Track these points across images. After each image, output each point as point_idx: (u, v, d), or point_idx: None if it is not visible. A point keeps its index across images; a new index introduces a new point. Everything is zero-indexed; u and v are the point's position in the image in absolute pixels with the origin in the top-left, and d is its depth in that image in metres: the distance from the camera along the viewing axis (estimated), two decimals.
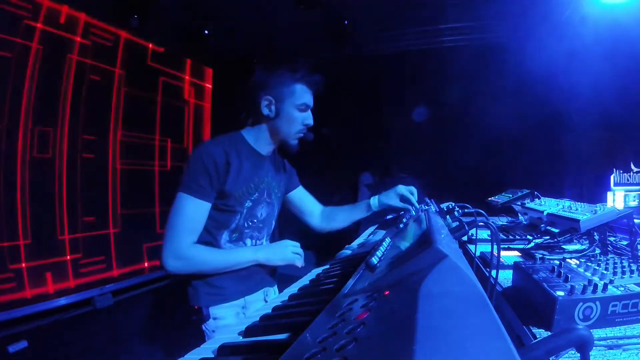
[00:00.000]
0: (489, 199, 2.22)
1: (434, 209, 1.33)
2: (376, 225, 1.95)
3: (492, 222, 0.97)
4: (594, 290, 0.70)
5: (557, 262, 0.91)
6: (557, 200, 1.68)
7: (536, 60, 3.53)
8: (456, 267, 0.43)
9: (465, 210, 1.17)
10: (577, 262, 0.91)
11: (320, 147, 1.42)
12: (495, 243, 0.85)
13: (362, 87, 5.08)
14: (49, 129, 3.24)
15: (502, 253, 1.27)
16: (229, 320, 1.15)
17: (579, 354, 0.39)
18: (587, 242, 1.33)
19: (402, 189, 1.40)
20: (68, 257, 3.34)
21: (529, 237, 1.49)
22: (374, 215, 1.51)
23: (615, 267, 0.85)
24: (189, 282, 1.19)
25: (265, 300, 1.29)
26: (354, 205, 1.51)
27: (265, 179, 1.27)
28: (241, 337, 0.67)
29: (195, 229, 1.12)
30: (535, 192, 1.87)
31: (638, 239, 1.11)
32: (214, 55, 4.88)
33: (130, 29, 3.70)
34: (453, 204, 1.26)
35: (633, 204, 1.71)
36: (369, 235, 1.71)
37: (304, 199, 1.51)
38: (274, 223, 1.38)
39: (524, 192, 1.93)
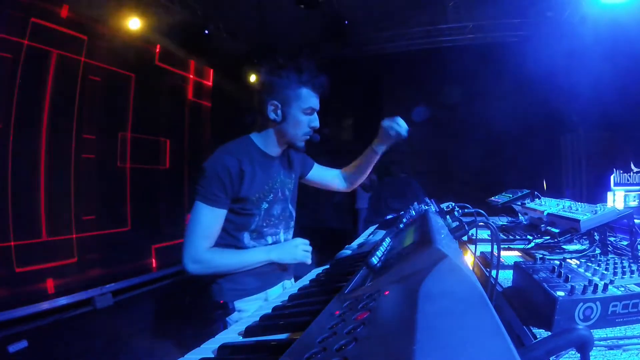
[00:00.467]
0: (489, 199, 2.21)
1: (434, 209, 1.32)
2: (376, 225, 1.95)
3: (492, 222, 0.97)
4: (594, 291, 0.70)
5: (557, 262, 0.91)
6: (557, 200, 1.68)
7: (536, 60, 3.53)
8: (456, 267, 0.43)
9: (465, 210, 1.17)
10: (578, 262, 0.91)
11: (320, 147, 1.42)
12: (495, 243, 0.84)
13: (362, 87, 5.08)
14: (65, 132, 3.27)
15: (502, 253, 1.27)
16: (252, 313, 1.19)
17: (579, 354, 0.39)
18: (588, 242, 1.33)
19: (385, 121, 1.44)
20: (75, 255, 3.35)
21: (529, 237, 1.49)
22: (374, 215, 1.52)
23: (615, 268, 0.85)
24: (213, 280, 1.25)
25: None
26: (361, 157, 1.57)
27: (278, 179, 1.32)
28: (241, 337, 0.67)
29: (211, 235, 1.19)
30: (535, 192, 1.87)
31: (638, 239, 1.11)
32: (214, 55, 4.87)
33: (133, 30, 3.70)
34: (453, 204, 1.26)
35: (633, 204, 1.71)
36: (369, 235, 1.70)
37: (323, 174, 1.60)
38: (291, 212, 1.42)
39: (524, 192, 1.93)
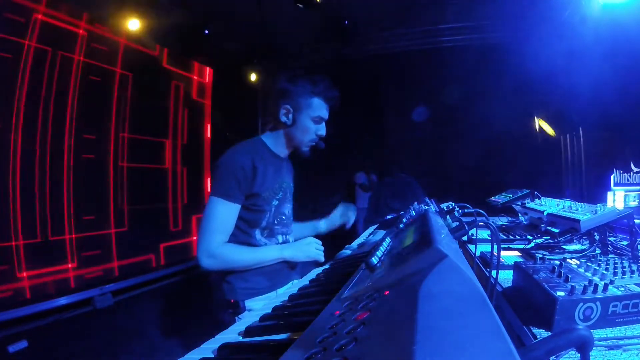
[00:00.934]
0: (489, 199, 2.22)
1: (434, 209, 1.32)
2: (376, 225, 1.95)
3: (492, 222, 0.97)
4: (595, 291, 0.70)
5: (557, 262, 0.91)
6: (557, 200, 1.68)
7: (536, 60, 3.53)
8: (456, 267, 0.43)
9: (465, 210, 1.17)
10: (578, 262, 0.91)
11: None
12: (495, 243, 0.84)
13: (362, 87, 5.08)
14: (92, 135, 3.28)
15: (502, 253, 1.27)
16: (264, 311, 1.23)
17: (579, 354, 0.39)
18: (588, 242, 1.33)
19: (341, 207, 1.60)
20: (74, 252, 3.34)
21: (529, 237, 1.49)
22: (374, 215, 1.54)
23: (615, 268, 0.85)
24: (223, 279, 1.29)
25: None
26: (306, 223, 1.63)
27: (285, 179, 1.40)
28: (241, 337, 0.67)
29: (226, 229, 1.23)
30: (535, 192, 1.87)
31: (638, 239, 1.11)
32: (213, 55, 4.87)
33: (133, 31, 3.69)
34: (453, 204, 1.26)
35: (633, 204, 1.71)
36: (369, 235, 1.71)
37: None
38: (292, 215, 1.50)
39: (524, 192, 1.93)
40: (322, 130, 1.35)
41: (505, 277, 1.04)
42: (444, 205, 1.29)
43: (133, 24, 3.72)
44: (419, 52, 4.79)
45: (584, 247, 1.30)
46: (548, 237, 1.40)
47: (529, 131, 4.06)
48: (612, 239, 1.35)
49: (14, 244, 2.91)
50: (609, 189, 1.80)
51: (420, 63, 4.79)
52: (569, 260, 0.93)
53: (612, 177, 1.80)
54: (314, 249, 1.30)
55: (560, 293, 0.70)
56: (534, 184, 2.09)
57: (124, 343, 2.75)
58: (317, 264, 1.32)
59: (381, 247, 0.80)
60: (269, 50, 4.98)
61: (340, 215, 1.59)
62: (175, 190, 4.68)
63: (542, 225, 1.53)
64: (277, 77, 1.35)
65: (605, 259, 0.95)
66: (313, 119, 1.32)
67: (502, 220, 2.04)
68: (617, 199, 1.76)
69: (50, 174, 3.22)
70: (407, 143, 4.99)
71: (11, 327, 2.75)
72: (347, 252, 1.38)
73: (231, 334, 0.69)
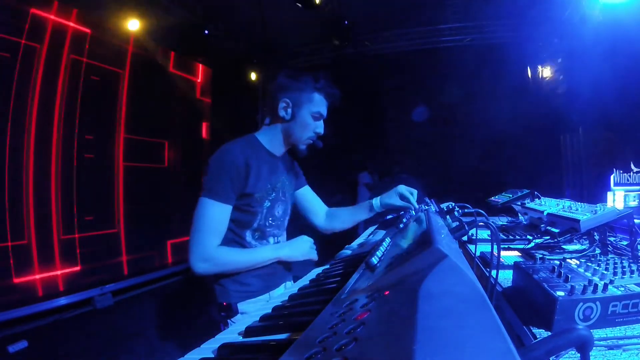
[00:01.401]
0: (489, 199, 2.21)
1: (434, 209, 1.32)
2: (376, 225, 1.95)
3: (492, 222, 0.97)
4: (594, 291, 0.70)
5: (557, 262, 0.91)
6: (557, 200, 1.68)
7: (536, 60, 3.53)
8: (456, 267, 0.43)
9: (465, 210, 1.17)
10: (577, 262, 0.91)
11: (320, 147, 1.44)
12: (495, 243, 0.84)
13: (362, 87, 5.08)
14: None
15: (502, 253, 1.27)
16: (255, 314, 1.20)
17: (579, 354, 0.39)
18: (587, 242, 1.33)
19: (402, 188, 1.43)
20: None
21: (529, 237, 1.49)
22: (375, 215, 1.52)
23: (615, 267, 0.85)
24: (216, 281, 1.24)
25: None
26: (356, 206, 1.54)
27: (280, 179, 1.34)
28: (241, 337, 0.67)
29: (219, 231, 1.17)
30: (535, 192, 1.87)
31: (638, 239, 1.11)
32: (213, 55, 4.87)
33: (133, 31, 3.69)
34: (453, 204, 1.26)
35: (633, 204, 1.71)
36: (369, 235, 1.70)
37: (310, 198, 1.55)
38: (289, 215, 1.44)
39: (524, 192, 1.93)
40: (320, 127, 1.31)
41: (505, 277, 1.04)
42: (444, 205, 1.29)
43: (133, 24, 3.72)
44: (419, 52, 4.79)
45: (583, 247, 1.30)
46: (548, 237, 1.40)
47: (529, 131, 4.06)
48: (612, 239, 1.35)
49: (10, 244, 2.91)
50: (609, 189, 1.80)
51: (420, 63, 4.79)
52: (568, 260, 0.93)
53: (612, 177, 1.80)
54: (308, 247, 1.27)
55: (560, 293, 0.70)
56: (534, 184, 2.09)
57: (124, 343, 2.75)
58: (313, 263, 1.30)
59: (381, 247, 0.80)
60: (269, 50, 4.98)
61: (399, 195, 1.42)
62: (176, 190, 4.68)
63: (542, 225, 1.53)
64: (278, 72, 1.31)
65: (605, 259, 0.95)
66: (313, 114, 1.27)
67: (502, 220, 2.04)
68: (617, 199, 1.76)
69: (52, 174, 3.22)
70: (407, 143, 4.99)
71: (11, 327, 2.75)
72: (347, 252, 1.38)
73: (231, 334, 0.69)
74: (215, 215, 1.15)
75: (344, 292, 0.60)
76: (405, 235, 0.91)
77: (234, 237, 1.24)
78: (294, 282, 1.37)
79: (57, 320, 3.06)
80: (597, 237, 1.27)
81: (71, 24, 3.33)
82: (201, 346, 0.64)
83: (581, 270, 0.85)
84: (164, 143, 4.50)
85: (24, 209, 3.02)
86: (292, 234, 1.38)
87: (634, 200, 1.71)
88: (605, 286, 0.72)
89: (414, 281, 0.40)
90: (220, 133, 5.05)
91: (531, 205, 1.76)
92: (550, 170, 4.16)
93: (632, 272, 0.82)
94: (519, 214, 1.98)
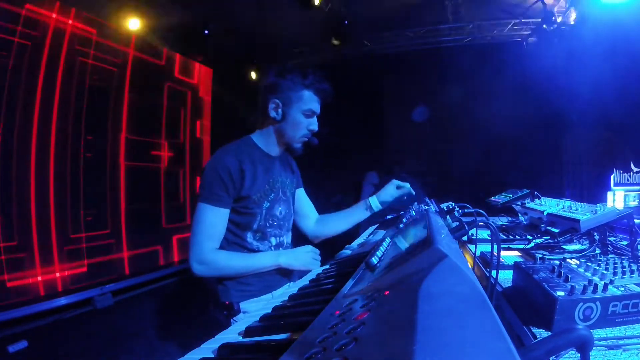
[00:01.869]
0: (489, 199, 2.21)
1: (434, 209, 1.32)
2: (376, 225, 1.95)
3: (492, 222, 0.97)
4: (594, 291, 0.70)
5: (557, 262, 0.91)
6: (557, 200, 1.68)
7: (536, 61, 3.53)
8: (456, 267, 0.43)
9: (465, 210, 1.17)
10: (577, 262, 0.91)
11: (321, 147, 1.42)
12: (495, 243, 0.84)
13: (362, 87, 5.08)
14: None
15: (502, 253, 1.27)
16: (257, 313, 1.20)
17: (579, 354, 0.39)
18: (587, 242, 1.33)
19: (396, 181, 1.44)
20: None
21: (529, 237, 1.49)
22: (375, 215, 1.51)
23: (615, 267, 0.85)
24: (219, 281, 1.25)
25: None
26: (350, 208, 1.51)
27: (278, 178, 1.33)
28: (241, 337, 0.67)
29: (216, 235, 1.19)
30: (535, 192, 1.87)
31: (638, 239, 1.11)
32: (214, 55, 4.87)
33: (133, 31, 3.70)
34: (453, 204, 1.26)
35: (633, 204, 1.71)
36: (369, 235, 1.70)
37: (302, 201, 1.53)
38: (292, 215, 1.43)
39: (524, 192, 1.93)
40: (314, 124, 1.28)
41: (505, 277, 1.04)
42: (444, 205, 1.29)
43: (133, 24, 3.72)
44: (419, 52, 4.79)
45: (583, 247, 1.30)
46: (548, 237, 1.40)
47: (529, 131, 4.06)
48: (612, 239, 1.35)
49: (11, 245, 2.91)
50: (609, 189, 1.80)
51: (420, 63, 4.79)
52: (568, 260, 0.93)
53: (612, 177, 1.80)
54: (310, 258, 1.24)
55: (560, 293, 0.70)
56: (534, 184, 2.08)
57: (124, 343, 2.75)
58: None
59: (381, 247, 0.80)
60: (269, 50, 4.98)
61: (395, 186, 1.41)
62: (175, 190, 4.68)
63: (542, 225, 1.53)
64: (266, 72, 1.28)
65: (605, 258, 0.95)
66: (304, 112, 1.25)
67: (502, 220, 2.04)
68: (617, 199, 1.76)
69: (52, 174, 3.22)
70: (407, 143, 4.99)
71: (11, 327, 2.75)
72: (347, 252, 1.37)
73: (231, 334, 0.69)
74: (211, 219, 1.17)
75: (344, 292, 0.60)
76: (405, 235, 0.91)
77: (235, 239, 1.25)
78: (295, 281, 1.37)
79: (57, 320, 3.06)
80: (597, 237, 1.27)
81: (71, 23, 3.33)
82: (201, 346, 0.64)
83: (581, 270, 0.85)
84: (164, 143, 4.50)
85: (24, 209, 3.02)
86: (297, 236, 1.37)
87: (634, 200, 1.71)
88: (605, 286, 0.72)
89: (414, 281, 0.40)
90: (220, 133, 5.05)
91: (531, 205, 1.76)
92: (550, 170, 4.16)
93: (632, 272, 0.82)
94: (519, 214, 1.97)
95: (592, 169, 3.60)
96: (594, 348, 0.54)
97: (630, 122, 2.87)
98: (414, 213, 1.33)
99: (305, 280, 1.08)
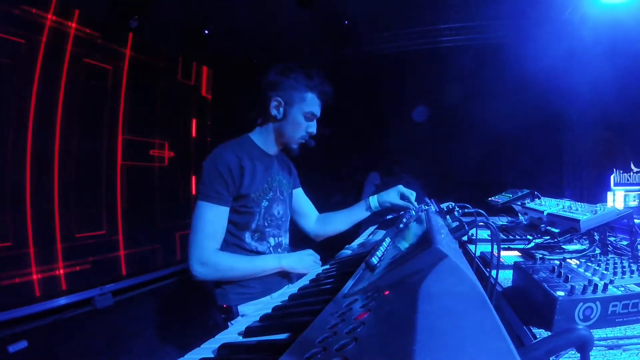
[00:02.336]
0: (489, 199, 2.21)
1: (434, 209, 1.32)
2: (376, 225, 1.95)
3: (492, 222, 0.97)
4: (594, 291, 0.70)
5: (557, 262, 0.91)
6: (557, 200, 1.68)
7: (536, 60, 3.53)
8: (456, 267, 0.43)
9: (465, 210, 1.17)
10: (577, 262, 0.91)
11: (321, 147, 1.43)
12: (495, 243, 0.84)
13: (362, 87, 5.08)
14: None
15: (502, 253, 1.27)
16: (255, 315, 1.20)
17: (579, 354, 0.39)
18: (587, 242, 1.33)
19: (402, 188, 1.41)
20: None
21: (529, 237, 1.49)
22: (374, 215, 1.51)
23: (615, 267, 0.85)
24: (218, 285, 1.23)
25: None
26: (351, 207, 1.51)
27: (276, 177, 1.32)
28: (241, 337, 0.67)
29: (217, 234, 1.16)
30: (535, 192, 1.87)
31: (638, 239, 1.11)
32: (214, 56, 4.87)
33: (133, 31, 3.69)
34: (453, 204, 1.26)
35: (633, 204, 1.71)
36: (369, 235, 1.70)
37: (301, 201, 1.53)
38: (290, 215, 1.42)
39: (524, 192, 1.93)
40: (312, 127, 1.28)
41: (505, 277, 1.04)
42: (444, 205, 1.29)
43: (133, 24, 3.71)
44: (419, 52, 4.78)
45: (583, 247, 1.30)
46: (548, 237, 1.40)
47: (529, 131, 4.06)
48: (612, 239, 1.35)
49: (11, 245, 2.91)
50: (609, 189, 1.80)
51: (420, 63, 4.79)
52: (568, 260, 0.93)
53: (612, 177, 1.80)
54: (312, 261, 1.25)
55: (560, 293, 0.70)
56: (534, 184, 2.09)
57: (124, 343, 2.75)
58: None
59: (381, 247, 0.80)
60: (269, 50, 4.98)
61: (399, 194, 1.39)
62: (175, 190, 4.68)
63: (542, 225, 1.53)
64: (269, 68, 1.26)
65: (605, 258, 0.95)
66: (305, 114, 1.25)
67: (502, 220, 2.04)
68: (617, 199, 1.76)
69: (56, 174, 3.23)
70: (407, 143, 4.98)
71: (11, 327, 2.75)
72: (347, 252, 1.37)
73: (231, 334, 0.69)
74: (212, 217, 1.14)
75: (343, 292, 0.60)
76: (405, 236, 0.91)
77: (233, 240, 1.24)
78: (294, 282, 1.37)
79: (57, 320, 3.06)
80: (597, 237, 1.27)
81: (70, 24, 3.33)
82: (201, 346, 0.64)
83: (581, 270, 0.85)
84: (164, 143, 4.50)
85: (24, 209, 3.02)
86: (294, 236, 1.37)
87: (634, 200, 1.71)
88: (605, 286, 0.72)
89: (414, 281, 0.40)
90: (220, 133, 5.05)
91: (531, 205, 1.76)
92: (550, 170, 4.16)
93: (632, 272, 0.82)
94: (519, 214, 1.98)
95: (592, 169, 3.60)
96: (594, 348, 0.54)
97: (630, 122, 2.87)
98: (414, 213, 1.33)
99: (305, 281, 1.08)
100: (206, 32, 4.27)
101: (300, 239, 1.45)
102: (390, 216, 1.98)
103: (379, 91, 5.30)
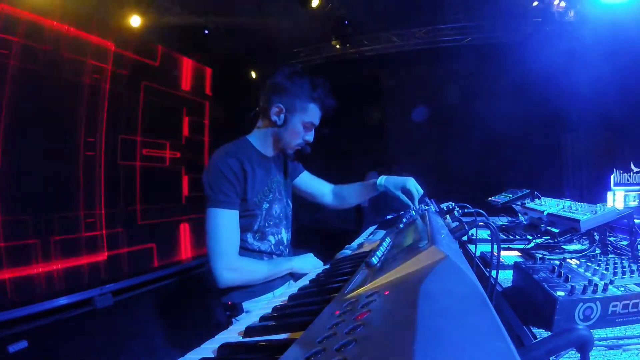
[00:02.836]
0: (489, 199, 2.22)
1: (434, 209, 1.32)
2: (376, 225, 1.95)
3: (492, 222, 0.97)
4: (594, 291, 0.70)
5: (557, 262, 0.91)
6: (557, 200, 1.68)
7: (536, 60, 3.53)
8: (456, 267, 0.43)
9: (465, 210, 1.17)
10: (578, 262, 0.91)
11: (321, 147, 1.44)
12: (495, 243, 0.85)
13: (362, 87, 5.08)
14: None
15: (502, 253, 1.27)
16: (259, 312, 1.22)
17: (579, 354, 0.39)
18: (587, 242, 1.33)
19: (411, 183, 1.39)
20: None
21: (529, 237, 1.49)
22: (374, 215, 1.52)
23: (615, 267, 0.85)
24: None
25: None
26: (361, 184, 1.56)
27: (275, 179, 1.34)
28: (241, 337, 0.67)
29: (235, 239, 1.18)
30: (535, 192, 1.87)
31: (638, 239, 1.11)
32: (214, 55, 4.87)
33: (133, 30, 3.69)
34: (453, 204, 1.26)
35: (633, 204, 1.71)
36: (369, 235, 1.70)
37: (311, 182, 1.56)
38: (290, 214, 1.44)
39: (524, 192, 1.93)
40: (310, 136, 1.30)
41: (505, 277, 1.04)
42: (444, 205, 1.29)
43: (133, 24, 3.72)
44: (419, 52, 4.79)
45: (584, 247, 1.30)
46: (548, 237, 1.40)
47: (529, 131, 4.06)
48: (612, 239, 1.35)
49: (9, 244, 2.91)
50: (609, 189, 1.80)
51: (420, 63, 4.79)
52: (569, 260, 0.93)
53: (612, 177, 1.80)
54: (316, 261, 1.31)
55: (560, 293, 0.70)
56: (534, 184, 2.09)
57: (124, 343, 2.75)
58: None
59: (381, 247, 0.80)
60: (269, 50, 4.98)
61: (401, 189, 1.38)
62: (175, 190, 4.68)
63: (542, 225, 1.53)
64: (274, 70, 1.26)
65: (605, 258, 0.96)
66: (305, 124, 1.25)
67: (502, 220, 2.04)
68: (617, 199, 1.76)
69: (57, 173, 3.23)
70: (407, 143, 4.98)
71: (11, 327, 2.75)
72: (347, 252, 1.38)
73: (231, 334, 0.69)
74: (227, 223, 1.15)
75: (344, 292, 0.60)
76: (405, 235, 0.91)
77: None
78: (295, 281, 1.38)
79: (57, 320, 3.06)
80: (597, 237, 1.27)
81: (68, 24, 3.32)
82: (201, 346, 0.64)
83: (581, 270, 0.85)
84: (164, 143, 4.50)
85: (24, 209, 3.02)
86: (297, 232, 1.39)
87: (634, 200, 1.71)
88: (606, 286, 0.72)
89: (414, 281, 0.40)
90: (220, 133, 5.04)
91: (531, 205, 1.76)
92: (550, 170, 4.16)
93: (632, 272, 0.82)
94: (519, 214, 1.98)
95: (592, 169, 3.60)
96: (594, 348, 0.54)
97: (630, 122, 2.87)
98: (414, 213, 1.33)
99: (305, 281, 1.08)
100: (206, 32, 4.27)
101: (300, 239, 1.46)
102: (390, 216, 1.99)
103: (379, 91, 5.31)
